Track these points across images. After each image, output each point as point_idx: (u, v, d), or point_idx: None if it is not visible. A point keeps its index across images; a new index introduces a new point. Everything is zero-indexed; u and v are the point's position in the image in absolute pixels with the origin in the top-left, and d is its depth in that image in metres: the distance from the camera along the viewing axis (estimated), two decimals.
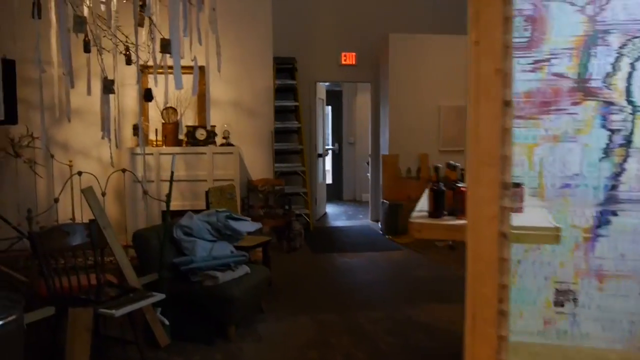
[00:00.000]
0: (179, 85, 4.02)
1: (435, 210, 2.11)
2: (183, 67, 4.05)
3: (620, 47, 3.44)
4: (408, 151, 8.05)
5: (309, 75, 8.52)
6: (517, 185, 2.05)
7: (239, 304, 4.01)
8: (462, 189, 2.08)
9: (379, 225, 8.54)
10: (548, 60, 3.51)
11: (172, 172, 4.23)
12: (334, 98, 10.90)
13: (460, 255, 6.56)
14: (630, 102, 3.46)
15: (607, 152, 3.50)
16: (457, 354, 3.90)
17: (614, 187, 3.52)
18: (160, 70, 4.58)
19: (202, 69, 4.67)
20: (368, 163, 9.52)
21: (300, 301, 4.95)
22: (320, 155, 9.17)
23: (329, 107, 10.92)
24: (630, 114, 3.46)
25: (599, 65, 3.45)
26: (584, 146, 3.51)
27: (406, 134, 8.02)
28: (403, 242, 7.39)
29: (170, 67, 4.09)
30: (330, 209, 10.19)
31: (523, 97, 3.55)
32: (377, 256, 6.69)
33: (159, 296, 3.62)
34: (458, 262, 6.27)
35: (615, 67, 3.45)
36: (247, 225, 4.37)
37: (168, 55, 4.60)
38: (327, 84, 9.64)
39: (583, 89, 3.47)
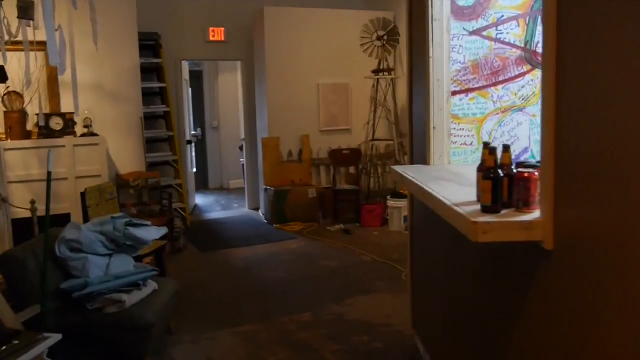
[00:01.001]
0: (54, 60, 3.09)
1: (494, 203, 1.65)
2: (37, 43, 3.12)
3: None
4: (288, 133, 7.56)
5: (174, 52, 7.60)
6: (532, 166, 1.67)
7: (155, 330, 3.25)
8: (525, 174, 1.64)
9: (260, 213, 7.98)
10: (495, 26, 3.22)
11: (49, 173, 3.28)
12: (194, 79, 10.01)
13: (358, 239, 6.29)
14: None
15: None
16: (410, 353, 3.59)
17: None
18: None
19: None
20: (241, 148, 8.86)
21: (211, 313, 4.26)
22: (189, 142, 8.32)
23: (189, 89, 10.00)
24: None
25: None
26: (531, 117, 3.31)
27: (286, 115, 7.52)
28: (293, 230, 6.93)
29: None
30: (200, 200, 9.38)
31: (471, 67, 3.23)
32: (274, 248, 6.14)
33: (54, 337, 2.76)
34: (360, 246, 5.98)
35: None
36: (151, 232, 3.57)
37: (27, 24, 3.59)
38: (188, 62, 8.74)
39: (530, 58, 3.25)
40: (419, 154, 3.16)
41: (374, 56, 7.25)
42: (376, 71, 7.41)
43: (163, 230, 3.71)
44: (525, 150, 3.35)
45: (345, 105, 7.80)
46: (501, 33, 3.20)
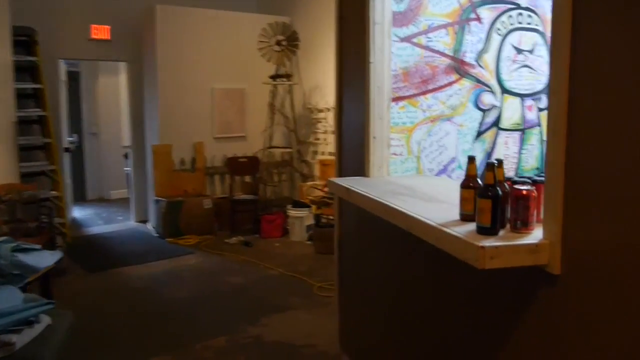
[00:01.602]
0: None
1: (493, 225, 1.49)
2: None
3: (492, 23, 3.28)
4: (181, 140, 7.10)
5: (51, 50, 6.82)
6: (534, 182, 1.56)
7: None
8: (524, 192, 1.50)
9: (150, 227, 7.41)
10: (425, 33, 3.14)
11: None
12: (70, 80, 9.11)
13: (260, 252, 6.01)
14: (499, 82, 3.33)
15: (479, 133, 3.33)
16: None
17: None
18: None
19: None
20: (126, 156, 8.20)
21: (112, 347, 3.77)
22: (67, 150, 7.53)
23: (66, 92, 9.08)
24: (500, 94, 3.34)
25: (472, 42, 3.23)
26: (459, 127, 3.28)
27: (178, 121, 7.05)
28: (189, 244, 6.48)
29: None
30: (78, 213, 8.54)
31: (402, 75, 3.12)
32: (171, 265, 5.67)
33: None
34: (264, 259, 5.71)
35: (486, 44, 3.28)
36: (44, 257, 3.05)
37: None
38: (65, 62, 7.93)
39: (458, 68, 3.21)
40: (352, 165, 2.98)
41: (272, 61, 7.01)
42: (274, 77, 7.18)
43: (57, 255, 3.20)
44: (452, 160, 3.31)
45: (240, 111, 7.48)
46: (431, 41, 3.13)
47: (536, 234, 1.50)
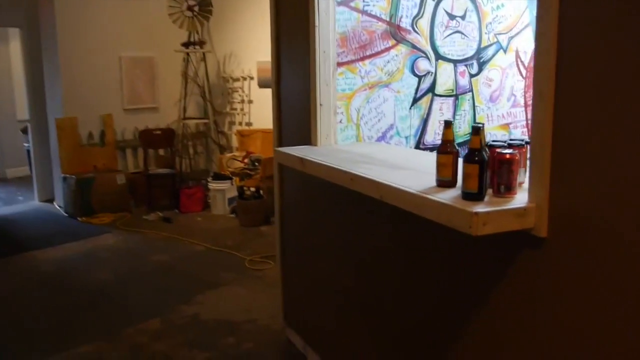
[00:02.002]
0: None
1: (480, 190, 1.47)
2: None
3: None
4: (88, 112, 6.62)
5: None
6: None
7: None
8: (508, 156, 1.49)
9: (57, 206, 6.91)
10: None
11: None
12: None
13: (182, 227, 5.79)
14: (433, 48, 3.34)
15: (416, 99, 3.34)
16: (287, 350, 3.30)
17: (422, 134, 3.41)
18: None
19: None
20: (25, 130, 7.54)
21: (34, 336, 3.48)
22: None
23: None
24: (435, 60, 3.35)
25: (407, 7, 3.20)
26: (396, 94, 3.26)
27: (84, 92, 6.56)
28: (104, 223, 6.12)
29: None
30: None
31: (339, 40, 3.03)
32: (87, 245, 5.32)
33: None
34: (187, 235, 5.51)
35: (421, 9, 3.26)
36: None
37: None
38: None
39: (395, 33, 3.18)
40: (295, 134, 2.88)
41: (184, 28, 6.66)
42: (187, 44, 6.84)
43: None
44: (390, 127, 3.30)
45: (151, 81, 7.08)
46: (368, 5, 3.06)
47: (520, 198, 1.49)
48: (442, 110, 3.44)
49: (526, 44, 3.61)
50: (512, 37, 3.57)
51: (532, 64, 3.66)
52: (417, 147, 3.39)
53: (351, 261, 2.48)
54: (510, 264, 1.56)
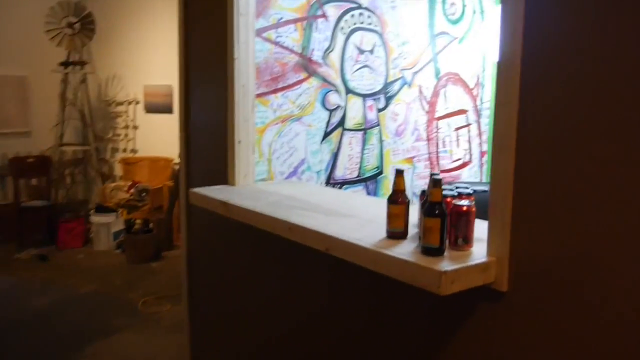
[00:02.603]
0: None
1: (441, 245, 1.41)
2: None
3: (337, 21, 3.23)
4: None
5: None
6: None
7: None
8: (465, 208, 1.44)
9: None
10: (275, 28, 2.97)
11: None
12: None
13: (62, 266, 5.27)
14: (343, 81, 3.31)
15: (327, 133, 3.29)
16: None
17: (332, 169, 3.36)
18: None
19: None
20: None
21: None
22: None
23: None
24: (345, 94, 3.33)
25: (319, 40, 3.15)
26: (308, 127, 3.19)
27: None
28: None
29: None
30: None
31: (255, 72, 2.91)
32: None
33: None
34: (69, 275, 5.01)
35: (332, 43, 3.23)
36: None
37: None
38: None
39: (306, 66, 3.11)
40: (208, 172, 2.68)
41: (63, 46, 6.15)
42: (65, 64, 6.32)
43: None
44: (302, 162, 3.20)
45: (23, 102, 6.44)
46: (281, 37, 2.97)
47: (477, 251, 1.44)
48: (351, 144, 3.41)
49: (428, 79, 3.70)
50: (415, 73, 3.65)
51: (433, 99, 3.78)
52: (327, 182, 3.33)
53: (281, 314, 2.32)
54: (469, 319, 1.51)
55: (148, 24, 6.38)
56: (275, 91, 3.03)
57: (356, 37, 3.32)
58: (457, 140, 3.95)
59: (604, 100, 1.20)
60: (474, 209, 1.45)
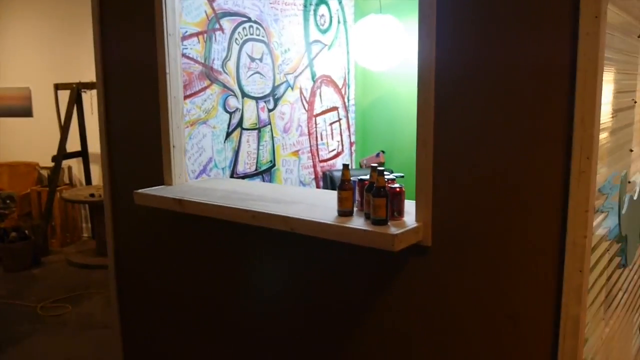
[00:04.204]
0: None
1: (386, 217, 1.95)
2: None
3: (232, 33, 3.62)
4: None
5: None
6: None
7: None
8: (398, 189, 2.01)
9: None
10: (182, 41, 3.31)
11: None
12: None
13: None
14: (240, 87, 3.72)
15: (228, 133, 3.69)
16: None
17: (235, 165, 3.77)
18: None
19: None
20: None
21: None
22: None
23: None
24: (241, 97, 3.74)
25: (218, 50, 3.53)
26: (213, 129, 3.56)
27: None
28: None
29: None
30: None
31: None
32: None
33: None
34: None
35: (228, 52, 3.62)
36: None
37: None
38: None
39: (209, 74, 3.48)
40: (135, 174, 2.95)
41: None
42: None
43: None
44: (210, 160, 3.56)
45: None
46: (186, 48, 3.30)
47: (408, 219, 2.01)
48: (249, 142, 3.84)
49: (306, 81, 4.24)
50: (296, 77, 4.17)
51: (311, 99, 4.34)
52: (231, 176, 3.72)
53: (232, 298, 2.68)
54: (406, 268, 2.08)
55: (1, 25, 6.10)
56: (185, 98, 3.36)
57: (248, 47, 3.74)
58: (332, 133, 4.56)
59: (494, 106, 1.83)
60: (404, 189, 2.01)
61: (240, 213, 2.22)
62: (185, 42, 3.27)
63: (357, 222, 1.98)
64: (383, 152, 4.58)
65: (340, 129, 4.64)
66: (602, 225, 2.15)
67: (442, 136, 1.92)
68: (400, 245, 1.86)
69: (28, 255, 5.25)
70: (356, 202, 2.12)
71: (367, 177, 2.06)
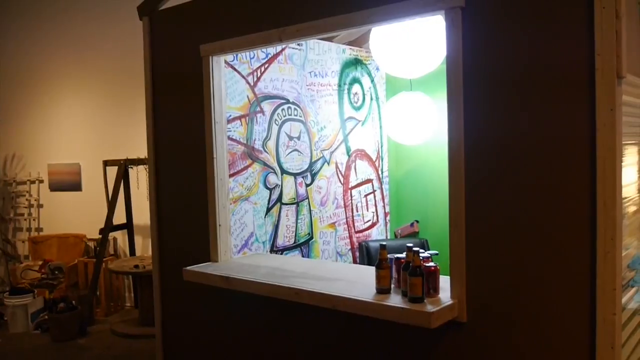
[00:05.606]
0: None
1: (423, 295, 2.07)
2: None
3: (271, 115, 3.87)
4: None
5: None
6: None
7: None
8: (432, 268, 2.13)
9: None
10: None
11: None
12: None
13: None
14: (279, 164, 3.94)
15: (269, 209, 3.87)
16: None
17: (275, 238, 3.93)
18: None
19: None
20: None
21: None
22: None
23: None
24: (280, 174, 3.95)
25: (259, 131, 3.77)
26: (254, 205, 3.75)
27: None
28: None
29: None
30: None
31: None
32: None
33: None
34: None
35: (268, 133, 3.86)
36: None
37: None
38: None
39: (250, 154, 3.70)
40: (182, 251, 3.14)
41: None
42: None
43: None
44: (251, 235, 3.74)
45: None
46: (230, 131, 3.54)
47: (444, 296, 2.12)
48: (288, 216, 4.02)
49: (342, 156, 4.45)
50: (332, 152, 4.37)
51: (347, 172, 4.53)
52: (271, 249, 3.88)
53: None
54: (443, 343, 2.17)
55: (52, 102, 6.56)
56: (229, 177, 3.58)
57: (287, 127, 3.99)
58: (367, 204, 4.71)
59: (521, 190, 1.96)
60: (439, 268, 2.13)
61: (285, 290, 2.36)
62: (229, 125, 3.52)
63: (395, 299, 2.10)
64: (417, 221, 4.70)
65: (375, 200, 4.79)
66: (634, 299, 2.21)
67: (472, 217, 2.06)
68: (436, 322, 1.96)
69: (75, 325, 5.43)
70: (393, 279, 2.24)
71: (404, 255, 2.19)
